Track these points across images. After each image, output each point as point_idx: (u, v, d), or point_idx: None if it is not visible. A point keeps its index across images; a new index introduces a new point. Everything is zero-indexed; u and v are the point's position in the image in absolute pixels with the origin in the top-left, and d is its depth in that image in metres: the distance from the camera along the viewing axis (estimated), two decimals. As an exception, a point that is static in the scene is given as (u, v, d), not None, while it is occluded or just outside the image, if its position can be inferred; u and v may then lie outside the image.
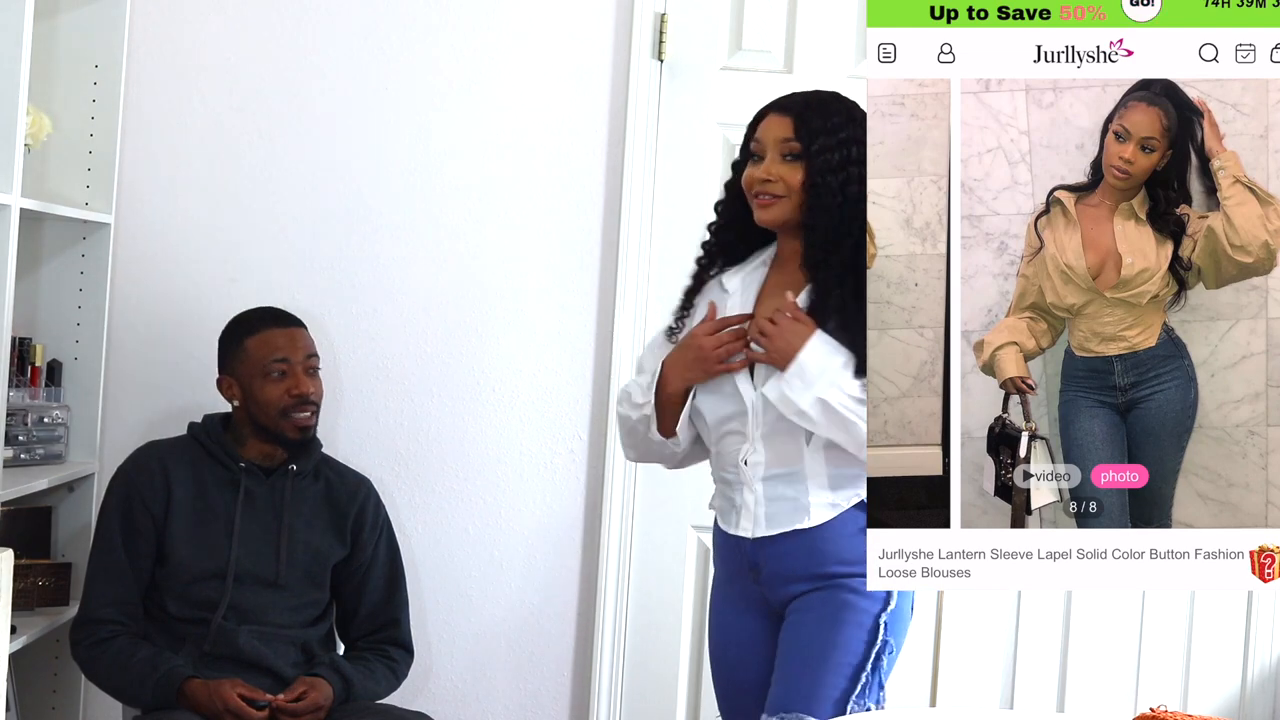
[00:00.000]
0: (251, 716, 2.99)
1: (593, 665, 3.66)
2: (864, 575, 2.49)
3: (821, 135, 2.70)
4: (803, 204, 2.70)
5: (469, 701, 3.68)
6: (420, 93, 3.64)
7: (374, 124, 3.63)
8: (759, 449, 2.71)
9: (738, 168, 2.82)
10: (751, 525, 2.73)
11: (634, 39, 3.63)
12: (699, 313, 2.81)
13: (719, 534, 2.83)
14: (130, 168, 3.58)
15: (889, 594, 2.67)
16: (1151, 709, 2.80)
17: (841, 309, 2.63)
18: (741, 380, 2.73)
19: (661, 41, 3.64)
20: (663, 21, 3.63)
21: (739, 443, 2.72)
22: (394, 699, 3.29)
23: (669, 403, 2.76)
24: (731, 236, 2.85)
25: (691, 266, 2.89)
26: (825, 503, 2.68)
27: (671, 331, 2.85)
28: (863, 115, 2.58)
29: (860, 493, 2.64)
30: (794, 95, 2.80)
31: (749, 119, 2.79)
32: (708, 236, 2.90)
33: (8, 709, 3.15)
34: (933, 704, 3.67)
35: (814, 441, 2.68)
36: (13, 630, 2.98)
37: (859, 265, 2.55)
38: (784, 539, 2.70)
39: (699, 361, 2.74)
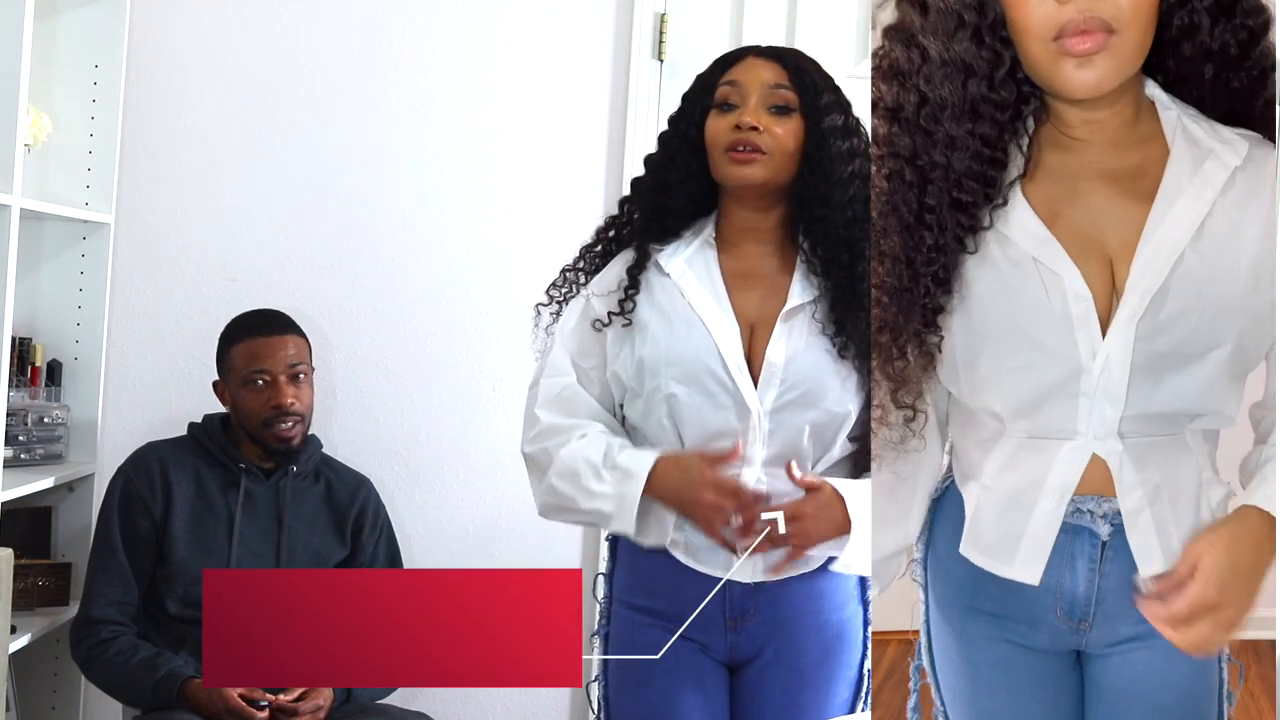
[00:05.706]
0: (252, 716, 2.99)
1: (592, 665, 3.66)
2: (850, 615, 2.36)
3: (825, 92, 2.30)
4: (797, 169, 2.28)
5: (469, 701, 3.68)
6: (420, 93, 3.64)
7: (374, 124, 3.63)
8: (762, 476, 2.24)
9: (683, 120, 2.35)
10: (751, 569, 2.27)
11: (634, 39, 3.63)
12: (656, 293, 2.31)
13: (671, 572, 2.33)
14: (130, 168, 3.58)
15: (867, 638, 2.36)
16: (1152, 709, 2.79)
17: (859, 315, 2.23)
18: (742, 381, 2.24)
19: (661, 41, 3.64)
20: (663, 21, 3.63)
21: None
22: (394, 699, 3.29)
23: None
24: (680, 201, 2.34)
25: (588, 235, 2.44)
26: None
27: (604, 323, 2.33)
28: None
29: None
30: (773, 46, 2.38)
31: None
32: (634, 197, 2.40)
33: (8, 709, 3.15)
34: (932, 704, 3.66)
35: (822, 466, 2.28)
36: (13, 630, 2.99)
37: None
38: (784, 583, 2.30)
39: (693, 508, 2.23)
